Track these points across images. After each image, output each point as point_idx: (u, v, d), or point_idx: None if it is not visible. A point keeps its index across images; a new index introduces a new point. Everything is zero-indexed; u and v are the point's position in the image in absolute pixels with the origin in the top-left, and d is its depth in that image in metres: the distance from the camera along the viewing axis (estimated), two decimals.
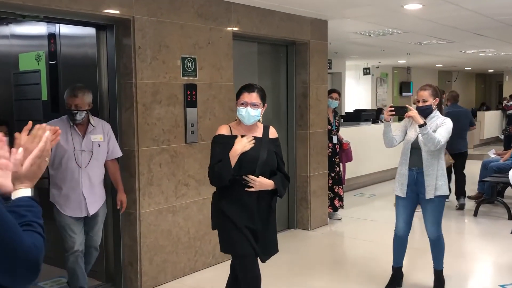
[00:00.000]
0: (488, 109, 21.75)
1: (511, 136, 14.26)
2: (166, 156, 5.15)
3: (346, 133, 8.48)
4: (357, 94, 17.29)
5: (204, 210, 5.52)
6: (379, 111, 13.37)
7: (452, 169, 8.56)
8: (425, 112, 4.65)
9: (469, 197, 9.03)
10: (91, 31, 4.98)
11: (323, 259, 6.21)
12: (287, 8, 6.32)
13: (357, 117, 11.82)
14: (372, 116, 12.41)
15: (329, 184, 7.59)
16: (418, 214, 4.94)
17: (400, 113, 4.68)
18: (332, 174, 7.64)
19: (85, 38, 5.12)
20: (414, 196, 4.77)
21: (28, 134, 1.93)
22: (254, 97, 3.59)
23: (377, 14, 7.13)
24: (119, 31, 4.93)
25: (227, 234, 3.62)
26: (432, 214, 4.73)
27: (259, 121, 3.68)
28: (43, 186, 4.60)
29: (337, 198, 7.75)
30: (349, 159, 7.97)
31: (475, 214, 7.98)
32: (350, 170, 8.61)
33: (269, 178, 3.57)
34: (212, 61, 5.56)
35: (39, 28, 5.51)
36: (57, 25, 5.28)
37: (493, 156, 9.23)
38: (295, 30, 6.73)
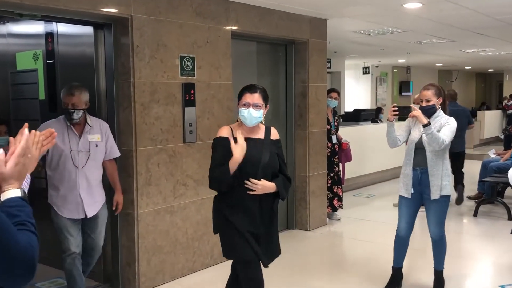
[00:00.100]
0: (488, 108, 21.72)
1: (511, 136, 14.22)
2: (164, 156, 5.12)
3: (346, 132, 8.45)
4: (357, 93, 17.27)
5: (202, 210, 5.50)
6: (379, 110, 13.35)
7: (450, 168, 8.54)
8: (428, 111, 4.63)
9: (469, 197, 9.02)
10: (89, 30, 4.95)
11: (322, 259, 6.18)
12: (286, 7, 6.29)
13: (357, 116, 11.80)
14: (371, 115, 12.39)
15: (328, 184, 7.56)
16: (419, 214, 4.91)
17: (403, 113, 4.65)
18: (331, 174, 7.62)
19: (82, 37, 5.09)
20: (417, 197, 4.75)
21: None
22: (256, 98, 3.52)
23: (376, 13, 7.11)
24: (117, 30, 4.89)
25: (230, 240, 3.55)
26: (436, 214, 4.72)
27: (261, 122, 3.62)
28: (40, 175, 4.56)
29: (336, 198, 7.72)
30: (349, 159, 7.94)
31: (475, 214, 7.96)
32: (349, 170, 8.59)
33: (271, 180, 3.51)
34: (210, 60, 5.53)
35: (37, 27, 5.48)
36: (54, 24, 5.26)
37: (493, 156, 9.20)
38: (294, 29, 6.70)
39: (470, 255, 6.28)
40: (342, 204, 7.85)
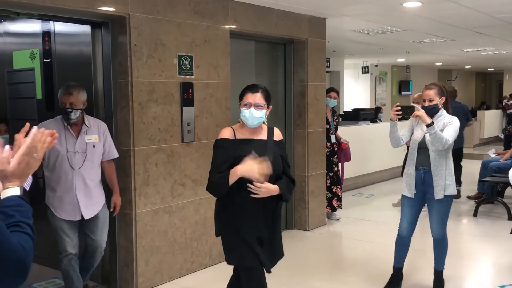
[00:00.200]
0: (488, 108, 21.70)
1: (511, 136, 14.19)
2: (162, 155, 5.09)
3: (345, 132, 8.43)
4: (356, 93, 17.24)
5: (200, 210, 5.47)
6: (378, 110, 13.32)
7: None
8: (431, 111, 4.61)
9: (469, 197, 9.00)
10: (86, 28, 4.92)
11: (321, 259, 6.15)
12: (285, 5, 6.27)
13: (356, 116, 11.75)
14: (370, 115, 12.35)
15: (327, 184, 7.53)
16: (420, 214, 4.89)
17: (407, 112, 4.62)
18: (331, 174, 7.59)
19: (80, 36, 5.06)
20: (420, 196, 4.74)
21: (25, 136, 1.93)
22: (258, 97, 3.42)
23: (376, 11, 7.08)
24: (114, 29, 4.86)
25: (232, 245, 3.46)
26: (438, 214, 4.70)
27: (263, 123, 3.53)
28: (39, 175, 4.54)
29: (336, 198, 7.70)
30: (348, 158, 7.92)
31: (475, 214, 7.93)
32: (349, 170, 8.56)
33: (274, 182, 3.40)
34: (209, 60, 5.50)
35: (34, 26, 5.44)
36: (51, 22, 5.22)
37: (493, 155, 9.17)
38: (293, 28, 6.67)
39: (470, 255, 6.26)
40: (341, 204, 7.82)
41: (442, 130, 4.51)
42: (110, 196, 4.67)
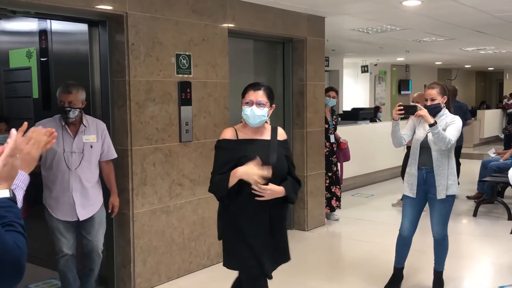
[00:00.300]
0: (488, 107, 21.66)
1: (511, 135, 14.15)
2: (160, 155, 5.05)
3: (344, 132, 8.41)
4: (355, 92, 17.22)
5: (198, 210, 5.44)
6: (377, 109, 13.30)
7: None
8: (434, 110, 4.59)
9: (469, 197, 8.97)
10: (83, 27, 4.88)
11: (320, 260, 6.13)
12: (284, 4, 6.23)
13: (355, 115, 11.74)
14: (370, 114, 12.33)
15: (326, 184, 7.50)
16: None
17: (409, 112, 4.58)
18: (329, 174, 7.56)
19: (77, 34, 5.03)
20: (422, 196, 4.72)
21: (23, 135, 1.94)
22: (260, 95, 3.34)
23: (375, 10, 7.05)
24: (112, 27, 4.83)
25: (234, 249, 3.37)
26: (440, 214, 4.69)
27: (266, 122, 3.42)
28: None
29: (334, 198, 7.66)
30: (347, 158, 7.89)
31: (475, 215, 7.90)
32: (348, 170, 8.51)
33: (279, 184, 3.29)
34: (207, 58, 5.46)
35: (30, 24, 5.42)
36: (48, 21, 5.20)
37: (493, 155, 9.14)
38: (292, 27, 6.63)
39: (469, 255, 6.23)
40: (340, 204, 7.79)
41: (444, 130, 4.49)
42: (107, 198, 4.62)
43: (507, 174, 7.36)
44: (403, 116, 4.60)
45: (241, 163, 3.23)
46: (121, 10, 4.68)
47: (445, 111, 4.67)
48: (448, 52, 13.71)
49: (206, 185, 5.33)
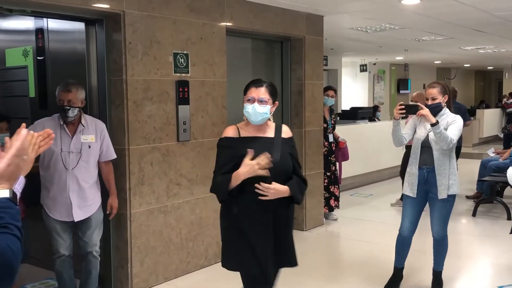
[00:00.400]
0: (487, 107, 21.66)
1: (511, 135, 14.15)
2: (158, 154, 5.02)
3: (342, 131, 8.39)
4: (354, 91, 17.20)
5: (196, 210, 5.41)
6: (376, 108, 13.28)
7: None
8: (435, 110, 4.57)
9: (468, 197, 8.95)
10: (80, 26, 4.85)
11: (319, 260, 6.10)
12: (282, 3, 6.20)
13: (354, 115, 11.72)
14: (369, 114, 12.32)
15: (325, 184, 7.48)
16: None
17: (411, 111, 4.56)
18: (328, 174, 7.53)
19: (74, 33, 4.99)
20: (423, 196, 4.70)
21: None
22: (262, 92, 3.24)
23: (374, 9, 7.03)
24: (109, 26, 4.79)
25: (234, 250, 3.28)
26: (441, 213, 4.67)
27: (269, 119, 3.33)
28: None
29: (333, 198, 7.64)
30: (346, 158, 7.87)
31: (474, 214, 7.88)
32: (346, 169, 8.49)
33: (284, 183, 3.19)
34: (205, 57, 5.43)
35: (27, 23, 5.38)
36: (45, 19, 5.16)
37: (492, 155, 9.11)
38: (290, 26, 6.60)
39: (468, 255, 6.21)
40: (339, 203, 7.77)
41: (446, 129, 4.48)
42: (105, 198, 4.57)
43: (506, 173, 7.36)
44: (404, 115, 4.58)
45: (241, 162, 3.13)
46: (118, 8, 4.65)
47: (446, 110, 4.65)
48: (447, 51, 13.69)
49: (203, 185, 5.37)
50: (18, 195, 1.92)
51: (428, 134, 4.57)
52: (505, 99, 17.33)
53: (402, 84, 18.68)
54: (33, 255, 4.88)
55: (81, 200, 4.27)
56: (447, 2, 6.41)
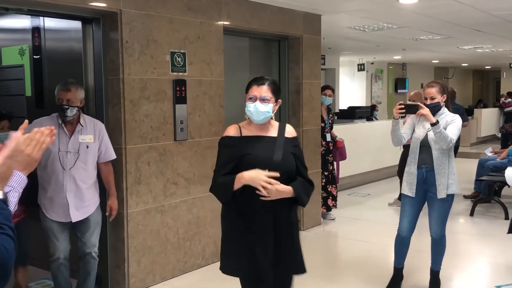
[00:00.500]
0: (485, 106, 21.68)
1: (509, 134, 14.15)
2: (155, 154, 5.00)
3: (340, 130, 8.37)
4: (351, 90, 17.20)
5: (193, 210, 5.39)
6: (373, 108, 13.28)
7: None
8: (433, 109, 4.56)
9: (466, 197, 8.94)
10: (77, 24, 4.82)
11: (316, 259, 6.08)
12: (280, 1, 6.18)
13: (351, 114, 11.72)
14: (366, 113, 12.32)
15: (323, 183, 7.46)
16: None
17: (411, 111, 4.55)
18: (326, 173, 7.52)
19: (70, 31, 4.98)
20: (421, 195, 4.69)
21: (24, 134, 1.91)
22: (264, 90, 3.14)
23: (372, 8, 7.02)
24: (106, 25, 4.77)
25: (233, 252, 3.20)
26: (439, 213, 4.66)
27: (271, 118, 3.23)
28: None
29: (331, 197, 7.62)
30: (343, 157, 7.85)
31: (472, 214, 7.88)
32: (344, 169, 8.47)
33: (286, 184, 3.08)
34: (202, 56, 5.41)
35: (23, 21, 5.36)
36: (41, 18, 5.15)
37: (490, 154, 9.10)
38: (288, 25, 6.58)
39: (466, 255, 6.20)
40: (336, 203, 7.75)
41: (445, 128, 4.48)
42: (104, 198, 4.54)
43: (504, 173, 7.35)
44: (404, 115, 4.56)
45: (244, 161, 3.08)
46: (115, 7, 4.63)
47: (444, 109, 4.65)
48: (445, 51, 13.69)
49: (201, 184, 5.36)
50: (18, 195, 1.91)
51: (427, 134, 4.56)
52: (502, 99, 17.33)
53: (400, 83, 18.69)
54: (31, 255, 4.85)
55: (78, 201, 4.23)
56: (445, 1, 6.41)
